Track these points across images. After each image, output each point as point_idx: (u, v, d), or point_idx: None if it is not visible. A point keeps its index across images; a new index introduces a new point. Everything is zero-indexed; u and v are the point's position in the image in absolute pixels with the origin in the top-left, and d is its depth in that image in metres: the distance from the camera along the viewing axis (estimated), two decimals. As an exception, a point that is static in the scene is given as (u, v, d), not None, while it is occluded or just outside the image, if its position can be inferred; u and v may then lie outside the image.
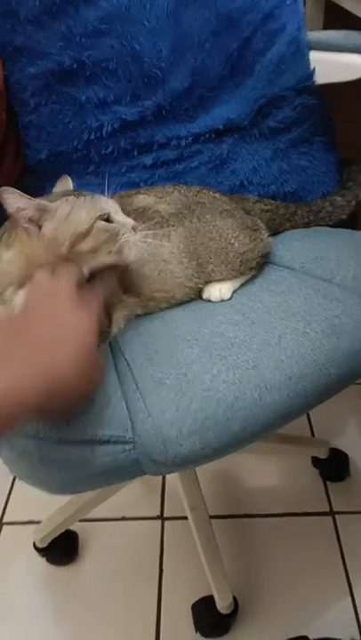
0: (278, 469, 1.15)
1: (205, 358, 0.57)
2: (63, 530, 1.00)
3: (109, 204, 0.57)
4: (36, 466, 0.53)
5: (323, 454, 1.11)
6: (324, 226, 0.79)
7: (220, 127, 0.79)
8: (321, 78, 0.80)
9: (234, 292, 0.68)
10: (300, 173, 0.82)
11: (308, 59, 0.80)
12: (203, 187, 0.74)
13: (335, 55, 0.79)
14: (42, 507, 1.07)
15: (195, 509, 0.94)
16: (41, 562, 1.01)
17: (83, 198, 0.56)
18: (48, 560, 1.02)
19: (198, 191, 0.73)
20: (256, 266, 0.70)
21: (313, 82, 0.81)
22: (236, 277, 0.69)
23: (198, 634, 0.89)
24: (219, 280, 0.68)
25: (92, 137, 0.77)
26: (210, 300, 0.67)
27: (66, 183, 0.64)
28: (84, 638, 0.90)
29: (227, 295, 0.67)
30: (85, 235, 0.54)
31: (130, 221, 0.57)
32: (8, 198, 0.51)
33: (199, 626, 0.89)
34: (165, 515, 1.08)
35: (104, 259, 0.55)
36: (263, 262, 0.71)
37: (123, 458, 0.52)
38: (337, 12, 0.91)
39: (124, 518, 1.08)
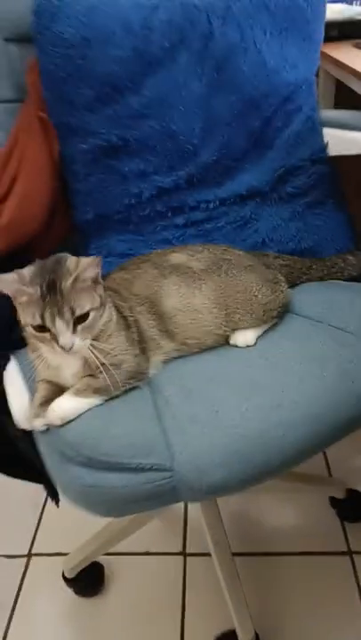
0: (297, 509, 1.19)
1: (234, 398, 0.65)
2: (91, 561, 1.05)
3: (49, 320, 0.61)
4: (87, 490, 0.60)
5: (340, 494, 1.16)
6: (337, 280, 0.88)
7: (244, 192, 0.90)
8: (332, 151, 0.91)
9: (257, 338, 0.76)
10: (316, 232, 0.92)
11: (322, 134, 0.91)
12: (228, 245, 0.84)
13: (344, 132, 0.90)
14: (69, 539, 1.12)
15: (218, 544, 0.98)
16: (68, 593, 1.05)
17: (40, 301, 0.61)
18: (75, 591, 1.06)
19: (225, 249, 0.82)
20: (277, 315, 0.79)
21: (325, 154, 0.91)
22: (260, 325, 0.77)
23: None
24: (244, 328, 0.76)
25: (133, 202, 0.88)
26: (236, 346, 0.75)
27: (92, 269, 0.66)
28: None
29: (251, 341, 0.75)
30: (24, 328, 0.65)
31: (61, 340, 0.61)
32: (3, 284, 0.62)
33: (222, 660, 0.92)
34: (188, 551, 1.12)
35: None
36: (283, 311, 0.80)
37: (162, 485, 0.59)
38: (347, 91, 1.03)
39: (147, 553, 1.13)
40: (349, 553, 1.09)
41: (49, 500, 1.26)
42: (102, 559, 1.08)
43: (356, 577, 1.05)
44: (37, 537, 1.19)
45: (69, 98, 0.84)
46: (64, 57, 0.81)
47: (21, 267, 0.65)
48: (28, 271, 0.64)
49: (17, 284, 0.62)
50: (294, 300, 0.82)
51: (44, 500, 1.28)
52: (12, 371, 0.80)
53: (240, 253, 0.83)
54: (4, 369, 0.81)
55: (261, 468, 0.60)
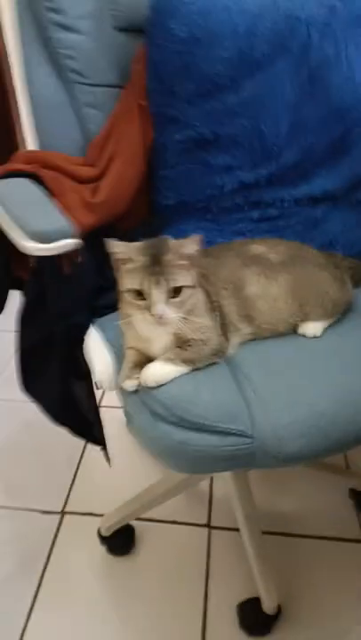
0: (318, 496, 1.25)
1: (307, 380, 0.72)
2: (126, 522, 1.13)
3: (148, 286, 0.67)
4: (176, 446, 0.68)
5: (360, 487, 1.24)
6: None
7: (318, 195, 0.97)
8: None
9: (324, 330, 0.83)
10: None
11: None
12: (302, 243, 0.91)
13: None
14: (101, 500, 1.22)
15: (248, 518, 1.06)
16: (99, 552, 1.13)
17: (145, 267, 0.68)
18: (108, 549, 1.14)
19: (300, 246, 0.89)
20: (343, 311, 0.86)
21: None
22: (327, 319, 0.84)
23: (243, 631, 0.99)
24: (313, 320, 0.83)
25: (215, 193, 0.95)
26: (304, 335, 0.83)
27: (192, 246, 0.71)
28: (134, 627, 1.00)
29: (319, 332, 0.82)
30: (123, 294, 0.71)
31: (155, 309, 0.67)
32: (111, 245, 0.70)
33: (245, 624, 0.99)
34: (212, 524, 1.19)
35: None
36: (348, 309, 0.87)
37: (243, 449, 0.67)
38: None
39: (174, 522, 1.20)
40: None
41: (83, 459, 1.35)
42: (134, 523, 1.16)
43: None
44: (71, 495, 1.26)
45: (173, 90, 0.90)
46: (174, 52, 0.88)
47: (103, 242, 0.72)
48: (137, 244, 0.71)
49: (129, 250, 0.69)
50: (358, 300, 0.89)
51: (78, 459, 1.35)
52: (95, 336, 0.87)
53: (313, 252, 0.90)
54: (85, 333, 0.88)
55: (335, 443, 0.68)
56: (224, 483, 1.25)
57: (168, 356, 0.73)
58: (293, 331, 0.84)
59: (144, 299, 0.69)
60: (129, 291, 0.70)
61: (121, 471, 1.27)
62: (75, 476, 1.32)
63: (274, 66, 0.90)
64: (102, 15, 0.94)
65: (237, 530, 1.09)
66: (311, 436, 0.67)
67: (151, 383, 0.71)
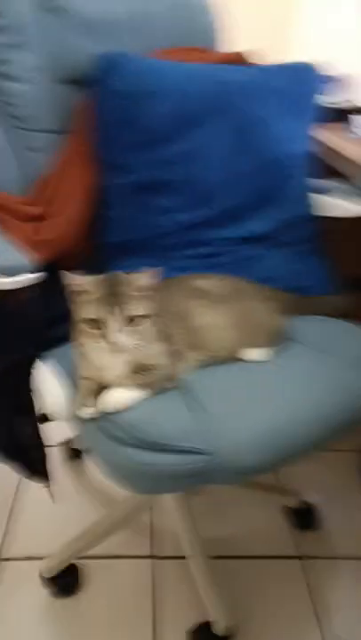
0: (253, 516, 1.31)
1: (260, 399, 0.79)
2: (70, 562, 1.11)
3: (105, 316, 0.72)
4: (138, 469, 0.71)
5: (293, 504, 1.32)
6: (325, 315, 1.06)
7: (249, 236, 1.08)
8: (321, 212, 1.12)
9: (268, 356, 0.91)
10: (308, 275, 1.11)
11: (311, 197, 1.13)
12: (242, 278, 1.00)
13: (330, 198, 1.12)
14: (39, 542, 1.19)
15: (193, 545, 1.09)
16: (42, 597, 1.10)
17: (100, 297, 0.73)
18: (53, 591, 1.10)
19: (241, 281, 0.98)
20: (280, 340, 0.95)
21: (315, 214, 1.12)
22: (268, 345, 0.93)
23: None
24: (256, 346, 0.91)
25: (157, 232, 1.03)
26: (249, 361, 0.90)
27: (147, 279, 0.77)
28: None
29: (263, 357, 0.90)
30: (78, 324, 0.75)
31: (113, 337, 0.72)
32: (69, 277, 0.74)
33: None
34: (155, 554, 1.21)
35: None
36: (285, 338, 0.96)
37: (203, 466, 0.71)
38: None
39: (118, 556, 1.20)
40: (299, 557, 1.22)
41: (16, 500, 1.31)
42: (76, 562, 1.14)
43: (307, 579, 1.17)
44: (6, 540, 1.22)
45: (117, 139, 0.98)
46: (117, 106, 0.97)
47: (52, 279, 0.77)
48: (93, 278, 0.76)
49: (86, 283, 0.74)
50: (295, 329, 0.98)
51: (11, 501, 1.31)
52: (45, 368, 0.89)
53: (254, 286, 0.99)
54: (31, 368, 0.89)
55: (286, 454, 0.75)
56: (164, 513, 1.27)
57: (124, 382, 0.77)
58: (239, 358, 0.91)
59: (99, 328, 0.73)
60: (85, 320, 0.73)
61: (57, 510, 1.25)
62: (8, 518, 1.27)
63: (206, 123, 1.01)
64: (47, 68, 1.01)
65: (181, 558, 1.11)
66: (265, 451, 0.73)
67: (111, 409, 0.75)
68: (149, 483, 0.73)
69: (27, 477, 0.97)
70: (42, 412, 0.90)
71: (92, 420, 0.77)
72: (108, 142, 0.99)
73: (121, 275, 0.77)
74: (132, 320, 0.74)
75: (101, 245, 1.06)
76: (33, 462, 0.95)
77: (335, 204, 1.11)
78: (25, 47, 0.96)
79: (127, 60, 0.96)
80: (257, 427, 0.75)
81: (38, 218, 0.98)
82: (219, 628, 1.01)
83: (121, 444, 0.72)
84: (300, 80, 1.08)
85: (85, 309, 0.73)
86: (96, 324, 0.73)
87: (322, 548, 1.24)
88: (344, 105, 1.48)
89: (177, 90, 0.98)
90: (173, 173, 1.01)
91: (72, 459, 1.43)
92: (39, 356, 0.90)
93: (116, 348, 0.73)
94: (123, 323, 0.73)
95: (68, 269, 0.76)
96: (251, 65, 1.13)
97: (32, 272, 0.74)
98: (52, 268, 0.89)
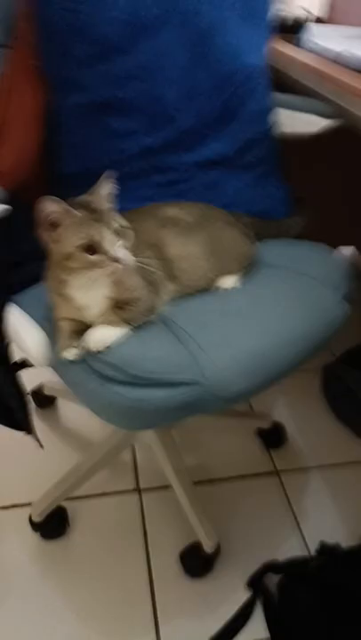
0: (230, 440, 1.36)
1: (241, 326, 0.79)
2: (57, 505, 1.11)
3: (101, 231, 0.66)
4: (132, 406, 0.70)
5: (266, 425, 1.37)
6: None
7: (213, 157, 1.02)
8: (282, 128, 1.08)
9: (241, 282, 0.91)
10: (269, 197, 1.09)
11: (274, 114, 1.08)
12: (209, 204, 0.96)
13: (295, 113, 1.07)
14: (21, 490, 1.19)
15: (179, 472, 1.12)
16: (33, 541, 1.10)
17: (86, 218, 0.66)
18: (42, 534, 1.11)
19: (209, 207, 0.94)
20: (253, 263, 0.94)
21: (276, 130, 1.08)
22: (241, 271, 0.91)
23: (188, 577, 1.05)
24: (229, 273, 0.90)
25: (119, 158, 0.95)
26: (224, 288, 0.89)
27: (107, 185, 0.73)
28: (83, 599, 1.01)
29: (236, 284, 0.89)
30: (69, 257, 0.67)
31: (115, 252, 0.66)
32: (47, 204, 0.65)
33: (189, 568, 1.06)
34: (141, 487, 1.24)
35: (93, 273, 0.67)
36: (256, 261, 0.95)
37: (195, 395, 0.71)
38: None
39: (104, 494, 1.22)
40: (276, 472, 1.30)
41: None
42: (63, 503, 1.14)
43: (285, 491, 1.26)
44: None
45: (66, 51, 0.87)
46: (63, 9, 0.85)
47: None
48: (66, 201, 0.68)
49: (64, 206, 0.66)
50: (263, 253, 0.98)
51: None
52: (17, 312, 0.83)
53: (221, 211, 0.96)
54: (2, 313, 0.83)
55: (271, 377, 0.77)
56: (144, 447, 1.30)
57: (109, 318, 0.74)
58: (214, 286, 0.90)
59: (93, 252, 0.67)
60: (77, 247, 0.66)
61: (36, 458, 1.23)
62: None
63: (165, 30, 0.91)
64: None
65: (165, 487, 1.15)
66: (252, 376, 0.74)
67: (99, 347, 0.71)
68: (141, 419, 0.72)
69: (8, 427, 0.94)
70: (17, 359, 0.85)
71: (78, 360, 0.73)
72: (57, 55, 0.88)
73: (87, 195, 0.72)
74: (119, 233, 0.69)
75: (56, 178, 0.97)
76: (13, 411, 0.92)
77: (297, 118, 1.07)
78: None
79: None
80: (243, 353, 0.76)
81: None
82: (208, 546, 1.05)
83: (111, 382, 0.70)
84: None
85: (75, 235, 0.66)
86: (89, 248, 0.66)
87: (294, 461, 1.33)
88: (296, 15, 1.40)
89: (132, -9, 0.87)
90: (131, 90, 0.93)
91: (44, 406, 1.40)
92: (7, 301, 0.84)
93: (121, 266, 0.67)
94: (116, 238, 0.68)
95: (23, 203, 0.70)
96: None
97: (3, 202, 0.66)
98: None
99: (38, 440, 0.94)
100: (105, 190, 0.71)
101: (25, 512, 1.12)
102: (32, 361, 0.81)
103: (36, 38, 0.88)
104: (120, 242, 0.68)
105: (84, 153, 0.94)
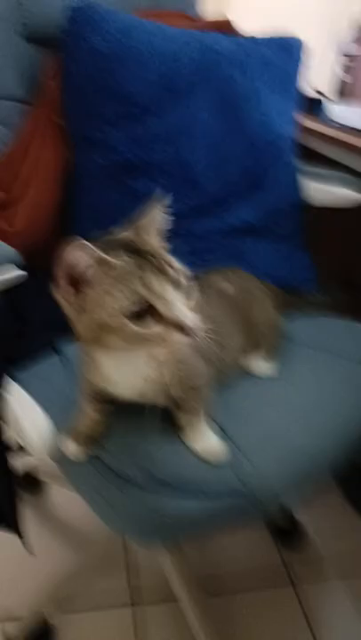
0: (240, 549, 1.18)
1: (283, 419, 0.67)
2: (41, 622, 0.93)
3: (157, 287, 0.43)
4: (149, 518, 0.56)
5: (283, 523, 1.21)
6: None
7: (240, 227, 0.95)
8: (312, 200, 1.02)
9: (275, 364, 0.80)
10: (296, 268, 1.01)
11: (302, 186, 1.02)
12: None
13: (324, 185, 1.02)
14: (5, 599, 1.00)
15: (189, 587, 0.96)
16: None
17: (134, 268, 0.44)
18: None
19: (245, 274, 0.85)
20: (283, 342, 0.83)
21: (305, 201, 1.02)
22: (275, 351, 0.81)
23: None
24: (263, 354, 0.79)
25: (142, 223, 0.87)
26: (257, 376, 0.77)
27: (157, 216, 0.52)
28: None
29: (271, 370, 0.78)
30: (111, 331, 0.43)
31: (183, 316, 0.43)
32: (72, 252, 0.43)
33: None
34: (136, 601, 1.05)
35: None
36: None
37: (237, 506, 0.59)
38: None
39: (96, 608, 1.03)
40: (291, 582, 1.12)
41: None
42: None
43: (301, 604, 1.08)
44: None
45: (94, 110, 0.82)
46: (95, 68, 0.80)
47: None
48: (97, 242, 0.46)
49: (96, 255, 0.43)
50: (295, 331, 0.88)
51: None
52: (18, 390, 0.71)
53: (255, 279, 0.86)
54: (4, 389, 0.71)
55: (320, 477, 0.66)
56: (141, 552, 1.12)
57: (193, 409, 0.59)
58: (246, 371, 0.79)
59: (143, 314, 0.43)
60: (121, 315, 0.43)
61: (20, 557, 1.05)
62: None
63: (196, 94, 0.87)
64: (11, 22, 0.82)
65: (167, 601, 0.99)
66: (299, 480, 0.62)
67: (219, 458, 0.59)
68: (164, 533, 0.58)
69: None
70: (11, 443, 0.72)
71: (91, 457, 0.60)
72: (82, 114, 0.83)
73: (132, 224, 0.50)
74: (180, 287, 0.45)
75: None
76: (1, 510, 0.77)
77: (335, 192, 1.01)
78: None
79: (110, 15, 0.80)
80: (287, 454, 0.64)
81: (7, 205, 0.79)
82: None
83: (133, 486, 0.56)
84: (289, 55, 0.97)
85: (121, 295, 0.43)
86: (138, 314, 0.43)
87: (313, 568, 1.15)
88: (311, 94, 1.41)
89: (167, 54, 0.83)
90: (158, 153, 0.86)
91: (32, 491, 1.22)
92: (9, 374, 0.72)
93: (192, 337, 0.44)
94: (178, 295, 0.44)
95: (35, 269, 0.57)
96: (238, 34, 1.01)
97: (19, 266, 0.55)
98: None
99: (27, 545, 0.79)
100: (155, 223, 0.49)
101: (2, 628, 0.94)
102: (31, 451, 0.67)
103: (62, 96, 0.82)
104: (184, 300, 0.45)
105: (102, 215, 0.86)
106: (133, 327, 0.42)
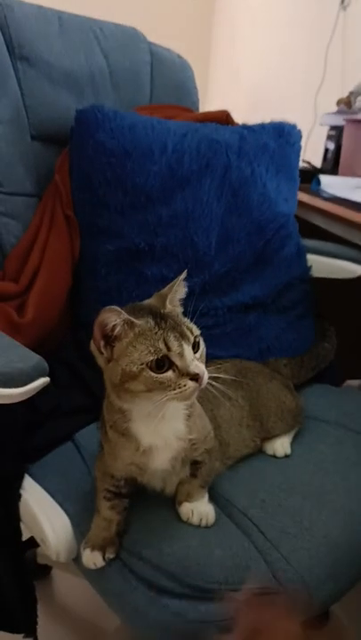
0: None
1: (310, 506, 0.65)
2: None
3: (174, 344, 0.52)
4: (191, 626, 0.53)
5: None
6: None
7: (248, 302, 0.97)
8: (316, 274, 1.05)
9: (291, 444, 0.79)
10: (306, 340, 1.02)
11: (307, 259, 1.06)
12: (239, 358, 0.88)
13: (327, 259, 1.06)
14: None
15: None
16: None
17: (156, 328, 0.53)
18: None
19: (240, 361, 0.86)
20: (301, 420, 0.83)
21: (310, 275, 1.05)
22: (290, 431, 0.80)
23: None
24: (277, 435, 0.78)
25: (149, 303, 0.88)
26: (275, 456, 0.76)
27: (181, 289, 0.61)
28: None
29: (288, 450, 0.77)
30: (134, 377, 0.51)
31: (194, 367, 0.52)
32: (105, 314, 0.52)
33: None
34: None
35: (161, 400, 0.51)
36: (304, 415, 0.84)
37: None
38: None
39: None
40: None
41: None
42: None
43: None
44: None
45: (103, 201, 0.85)
46: (104, 164, 0.84)
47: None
48: (125, 309, 0.55)
49: (124, 317, 0.52)
50: (310, 405, 0.88)
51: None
52: (35, 488, 0.69)
53: (255, 364, 0.87)
54: (18, 486, 0.69)
55: (358, 572, 0.61)
56: None
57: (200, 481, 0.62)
58: (260, 451, 0.78)
59: (163, 372, 0.51)
60: (144, 365, 0.51)
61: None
62: None
63: (201, 181, 0.91)
64: (18, 123, 0.87)
65: None
66: (338, 575, 0.59)
67: (208, 521, 0.61)
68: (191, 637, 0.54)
69: (6, 630, 0.74)
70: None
71: (116, 563, 0.58)
72: (90, 205, 0.86)
73: (156, 295, 0.60)
74: (194, 346, 0.54)
75: (84, 321, 0.89)
76: (10, 607, 0.73)
77: (339, 266, 1.05)
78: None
79: (114, 114, 0.85)
80: (321, 546, 0.61)
81: (18, 295, 0.80)
82: None
83: (165, 595, 0.54)
84: (287, 140, 1.03)
85: (144, 350, 0.51)
86: (159, 366, 0.51)
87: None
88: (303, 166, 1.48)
89: (172, 147, 0.88)
90: (166, 237, 0.89)
91: (38, 577, 1.16)
92: (22, 473, 0.70)
93: (200, 386, 0.52)
94: (192, 351, 0.53)
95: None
96: (235, 123, 1.07)
97: (44, 375, 0.55)
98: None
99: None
100: (175, 293, 0.59)
101: None
102: (50, 554, 0.64)
103: (70, 188, 0.86)
104: (197, 355, 0.54)
105: (113, 299, 0.86)
106: (152, 373, 0.51)
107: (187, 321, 0.56)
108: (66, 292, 0.86)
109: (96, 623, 1.09)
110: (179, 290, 0.60)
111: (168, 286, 0.59)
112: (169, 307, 0.57)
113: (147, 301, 0.60)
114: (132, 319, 0.52)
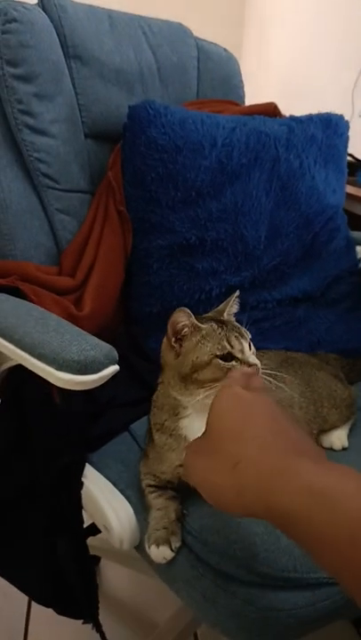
0: None
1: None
2: None
3: (235, 342, 0.60)
4: (253, 617, 0.53)
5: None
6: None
7: (298, 296, 0.97)
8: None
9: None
10: (357, 333, 1.00)
11: (356, 251, 1.04)
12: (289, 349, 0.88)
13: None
14: None
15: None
16: None
17: (219, 330, 0.60)
18: None
19: (285, 351, 0.86)
20: (355, 410, 0.82)
21: (360, 267, 1.04)
22: (345, 422, 0.79)
23: None
24: (331, 425, 0.78)
25: (202, 297, 0.89)
26: (332, 449, 0.76)
27: (235, 305, 0.70)
28: None
29: (346, 442, 0.77)
30: (204, 366, 0.58)
31: (250, 361, 0.59)
32: (179, 315, 0.59)
33: None
34: None
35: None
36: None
37: (339, 599, 0.55)
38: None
39: None
40: None
41: (29, 634, 1.05)
42: None
43: None
44: None
45: (155, 196, 0.86)
46: (156, 160, 0.85)
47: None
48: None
49: (193, 320, 0.60)
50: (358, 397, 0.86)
51: (23, 635, 1.05)
52: (98, 477, 0.70)
53: (303, 355, 0.87)
54: (81, 475, 0.71)
55: None
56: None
57: None
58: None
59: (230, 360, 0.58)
60: (214, 356, 0.58)
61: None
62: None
63: (250, 175, 0.91)
64: (73, 122, 0.89)
65: None
66: None
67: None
68: (271, 633, 0.54)
69: (63, 614, 0.76)
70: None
71: (183, 551, 0.59)
72: (145, 200, 0.87)
73: (216, 310, 0.69)
74: (246, 339, 0.62)
75: (138, 315, 0.91)
76: (73, 594, 0.75)
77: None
78: (54, 98, 0.84)
79: (165, 109, 0.86)
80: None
81: (74, 290, 0.82)
82: None
83: (232, 582, 0.54)
84: (334, 131, 1.02)
85: (210, 346, 0.59)
86: (224, 359, 0.58)
87: None
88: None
89: (222, 141, 0.88)
90: (216, 232, 0.89)
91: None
92: (85, 460, 0.72)
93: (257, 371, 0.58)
94: (249, 348, 0.61)
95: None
96: (283, 116, 1.06)
97: (114, 363, 0.57)
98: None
99: (105, 638, 0.76)
100: (233, 309, 0.69)
101: None
102: (114, 542, 0.66)
103: (122, 184, 0.87)
104: (249, 349, 0.61)
105: (165, 293, 0.89)
106: (220, 361, 0.58)
107: (240, 326, 0.64)
108: (119, 287, 0.88)
109: (146, 615, 1.10)
110: (233, 306, 0.69)
111: (224, 303, 0.68)
112: (226, 317, 0.66)
113: (209, 314, 0.68)
114: (199, 324, 0.60)
